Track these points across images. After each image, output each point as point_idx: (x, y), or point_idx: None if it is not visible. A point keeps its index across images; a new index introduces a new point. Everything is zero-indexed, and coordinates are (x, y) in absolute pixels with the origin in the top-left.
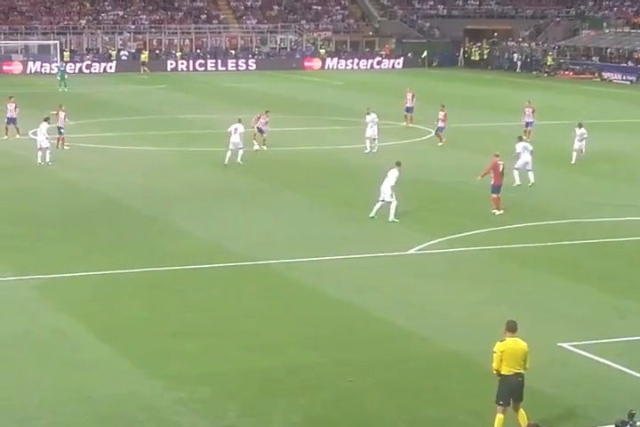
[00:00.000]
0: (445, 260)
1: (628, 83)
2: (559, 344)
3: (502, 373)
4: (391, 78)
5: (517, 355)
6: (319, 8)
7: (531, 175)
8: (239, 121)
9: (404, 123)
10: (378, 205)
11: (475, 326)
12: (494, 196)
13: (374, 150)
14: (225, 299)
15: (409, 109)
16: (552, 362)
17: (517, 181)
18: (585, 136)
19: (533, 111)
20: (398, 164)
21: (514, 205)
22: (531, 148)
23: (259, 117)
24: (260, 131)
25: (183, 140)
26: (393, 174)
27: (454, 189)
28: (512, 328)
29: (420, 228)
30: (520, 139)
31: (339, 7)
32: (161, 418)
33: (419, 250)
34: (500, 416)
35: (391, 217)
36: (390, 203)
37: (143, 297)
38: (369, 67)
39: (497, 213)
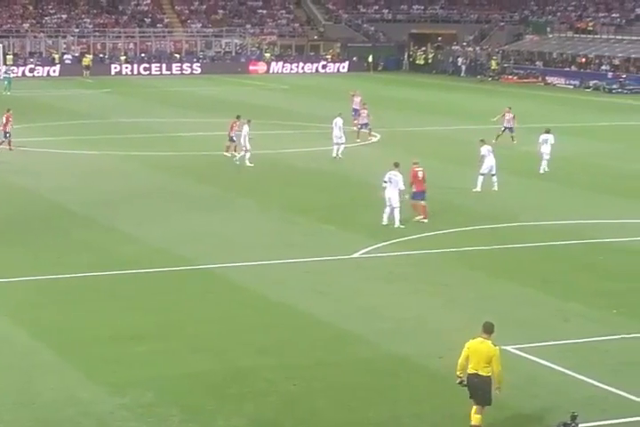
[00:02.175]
0: (390, 263)
1: (572, 87)
2: (503, 347)
3: (467, 371)
4: (337, 82)
5: (477, 356)
6: (264, 12)
7: (495, 182)
8: (482, 142)
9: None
10: (388, 211)
11: (420, 329)
12: (417, 202)
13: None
14: (170, 303)
15: (356, 111)
16: None
17: (478, 188)
18: (551, 142)
19: (514, 117)
20: (397, 165)
21: (461, 208)
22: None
23: (232, 125)
24: (232, 139)
25: (128, 144)
26: (397, 178)
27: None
28: (486, 329)
29: (365, 231)
30: (483, 142)
31: (284, 11)
32: (104, 424)
33: (364, 253)
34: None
35: (397, 223)
36: (395, 209)
37: (87, 302)
38: (314, 71)
39: (422, 220)
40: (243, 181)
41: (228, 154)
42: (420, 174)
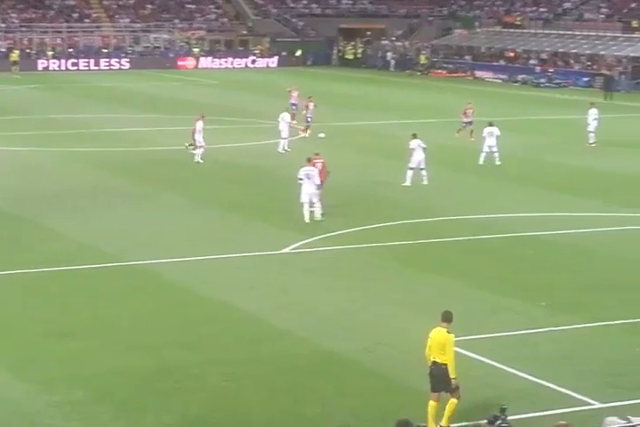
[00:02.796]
0: (320, 258)
1: (500, 81)
2: None
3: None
4: (266, 77)
5: (434, 344)
6: (193, 7)
7: (424, 175)
8: (414, 136)
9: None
10: (307, 208)
11: (349, 324)
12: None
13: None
14: (99, 300)
15: (294, 106)
16: (424, 359)
17: (407, 182)
18: (496, 134)
19: (472, 112)
20: (309, 160)
21: (389, 202)
22: (424, 145)
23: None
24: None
25: (56, 140)
26: (313, 173)
27: (329, 188)
28: (444, 318)
29: (294, 227)
30: (414, 136)
31: (212, 6)
32: (33, 422)
33: (293, 249)
34: (430, 403)
35: (318, 216)
36: (315, 203)
37: (14, 299)
38: (243, 66)
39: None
40: (174, 177)
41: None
42: (319, 166)
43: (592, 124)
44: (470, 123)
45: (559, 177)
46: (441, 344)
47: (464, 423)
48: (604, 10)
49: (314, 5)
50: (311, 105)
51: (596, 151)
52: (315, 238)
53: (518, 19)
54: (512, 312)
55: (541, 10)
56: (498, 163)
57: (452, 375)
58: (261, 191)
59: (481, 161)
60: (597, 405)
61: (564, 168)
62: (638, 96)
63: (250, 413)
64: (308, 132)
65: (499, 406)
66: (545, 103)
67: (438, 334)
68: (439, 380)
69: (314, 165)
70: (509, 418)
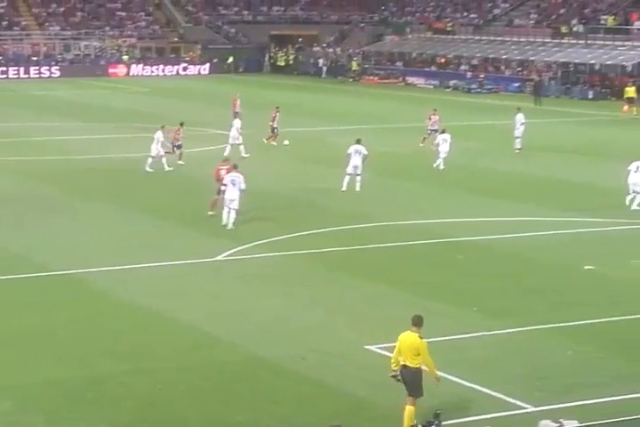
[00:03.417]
0: (253, 265)
1: (432, 87)
2: (366, 347)
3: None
4: (198, 84)
5: (404, 348)
6: (123, 14)
7: (358, 182)
8: (357, 142)
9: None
10: (226, 211)
11: (283, 331)
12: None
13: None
14: (29, 310)
15: (237, 114)
16: (359, 365)
17: (344, 188)
18: (448, 140)
19: (439, 119)
20: (236, 166)
21: (324, 209)
22: (365, 152)
23: (177, 131)
24: (179, 146)
25: None
26: (238, 179)
27: (262, 194)
28: (414, 322)
29: (228, 234)
30: (358, 142)
31: (143, 13)
32: None
33: (227, 256)
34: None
35: (230, 225)
36: (232, 210)
37: None
38: (175, 73)
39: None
40: (105, 185)
41: (180, 162)
42: (223, 173)
43: (519, 130)
44: (435, 131)
45: (490, 182)
46: (414, 348)
47: None
48: (533, 16)
49: (245, 12)
50: (278, 115)
51: (525, 156)
52: (248, 245)
53: (449, 25)
54: (444, 317)
55: (472, 16)
56: (436, 166)
57: (434, 375)
58: (194, 198)
59: (440, 166)
60: (530, 408)
61: (495, 173)
62: (567, 101)
63: (182, 421)
64: (276, 141)
65: (433, 411)
66: (476, 109)
67: (409, 338)
68: (409, 383)
69: (217, 172)
70: (444, 423)
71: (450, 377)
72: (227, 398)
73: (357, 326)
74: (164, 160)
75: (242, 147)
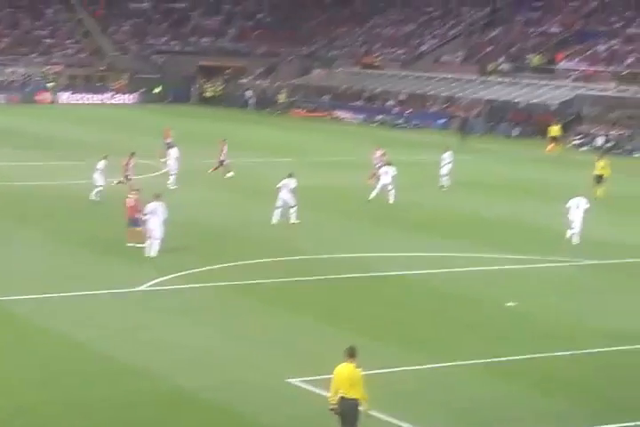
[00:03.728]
0: (177, 296)
1: (358, 121)
2: (288, 380)
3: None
4: (124, 113)
5: (341, 380)
6: (51, 41)
7: (292, 214)
8: (289, 176)
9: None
10: (149, 244)
11: (205, 361)
12: (133, 229)
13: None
14: None
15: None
16: (281, 398)
17: (274, 221)
18: (392, 173)
19: (383, 154)
20: (157, 196)
21: (251, 241)
22: (294, 185)
23: (128, 161)
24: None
25: None
26: (160, 209)
27: (189, 225)
28: (349, 354)
29: (152, 264)
30: (290, 175)
31: (71, 41)
32: None
33: (150, 286)
34: None
35: (153, 253)
36: (156, 241)
37: None
38: (102, 101)
39: (137, 245)
40: (27, 212)
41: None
42: (131, 202)
43: (445, 168)
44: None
45: (416, 218)
46: (350, 379)
47: None
48: (460, 53)
49: (173, 42)
50: (225, 148)
51: (450, 192)
52: (172, 276)
53: (377, 59)
54: (366, 352)
55: (399, 51)
56: (391, 201)
57: (366, 406)
58: (118, 227)
59: (372, 196)
60: None
61: (421, 209)
62: (492, 139)
63: None
64: (223, 172)
65: None
66: (402, 144)
67: (345, 370)
68: (346, 415)
69: (125, 202)
70: None
71: (371, 412)
72: None
73: (280, 359)
74: (95, 190)
75: (173, 178)
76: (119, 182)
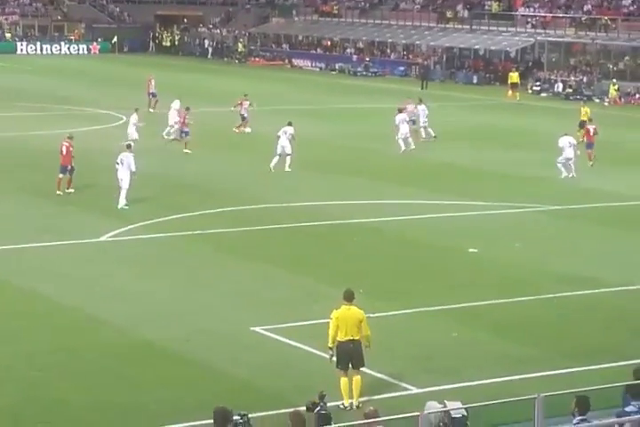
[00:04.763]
0: (138, 246)
1: (318, 70)
2: (252, 328)
3: (338, 339)
4: (82, 63)
5: (350, 322)
6: None
7: (287, 162)
8: (288, 124)
9: (150, 109)
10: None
11: (167, 312)
12: (60, 176)
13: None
14: None
15: (154, 95)
16: (245, 347)
17: (272, 168)
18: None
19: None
20: (128, 146)
21: (209, 190)
22: (292, 132)
23: (184, 116)
24: (187, 133)
25: None
26: (128, 159)
27: (146, 176)
28: (347, 297)
29: (113, 214)
30: (289, 124)
31: None
32: None
33: (111, 237)
34: (342, 380)
35: (121, 204)
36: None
37: None
38: (59, 52)
39: (68, 191)
40: None
41: (187, 150)
42: (63, 149)
43: (422, 120)
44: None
45: (378, 166)
46: (358, 321)
47: (283, 410)
48: (419, 0)
49: None
50: (246, 104)
51: (414, 140)
52: (133, 226)
53: (335, 8)
54: (332, 299)
55: None
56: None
57: (368, 344)
58: (78, 178)
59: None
60: (415, 390)
61: (383, 156)
62: (452, 86)
63: (64, 403)
64: (246, 129)
65: (318, 392)
66: (362, 92)
67: (351, 313)
68: (357, 356)
69: (60, 147)
70: (328, 404)
71: (334, 359)
72: (110, 380)
73: (244, 308)
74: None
75: (169, 129)
76: (174, 140)
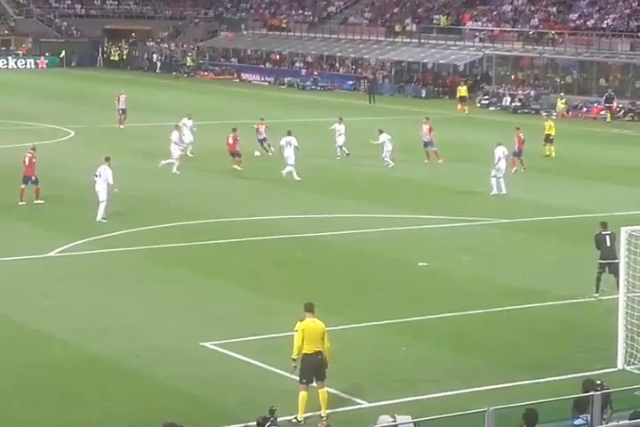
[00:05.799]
0: (88, 261)
1: (267, 84)
2: (202, 344)
3: (305, 351)
4: (29, 78)
5: (315, 334)
6: None
7: (294, 172)
8: (289, 133)
9: (120, 125)
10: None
11: (117, 327)
12: (23, 186)
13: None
14: None
15: (123, 111)
16: (195, 362)
17: (284, 174)
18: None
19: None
20: (107, 159)
21: (159, 205)
22: (296, 143)
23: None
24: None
25: None
26: (106, 172)
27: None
28: (309, 309)
29: (62, 229)
30: (289, 133)
31: None
32: None
33: (60, 252)
34: (302, 394)
35: (99, 217)
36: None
37: None
38: (6, 66)
39: (37, 202)
40: None
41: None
42: (26, 160)
43: (340, 139)
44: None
45: (326, 180)
46: (322, 334)
47: (233, 426)
48: (367, 14)
49: (78, 6)
50: (262, 128)
51: (362, 154)
52: (82, 241)
53: (284, 22)
54: (283, 314)
55: (306, 13)
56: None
57: (328, 359)
58: (27, 192)
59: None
60: (365, 404)
61: (331, 171)
62: (401, 99)
63: (13, 420)
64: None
65: (268, 407)
66: (311, 106)
67: (316, 325)
68: (321, 369)
69: (27, 159)
70: (279, 419)
71: (287, 374)
72: (59, 396)
73: (193, 323)
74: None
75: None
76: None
